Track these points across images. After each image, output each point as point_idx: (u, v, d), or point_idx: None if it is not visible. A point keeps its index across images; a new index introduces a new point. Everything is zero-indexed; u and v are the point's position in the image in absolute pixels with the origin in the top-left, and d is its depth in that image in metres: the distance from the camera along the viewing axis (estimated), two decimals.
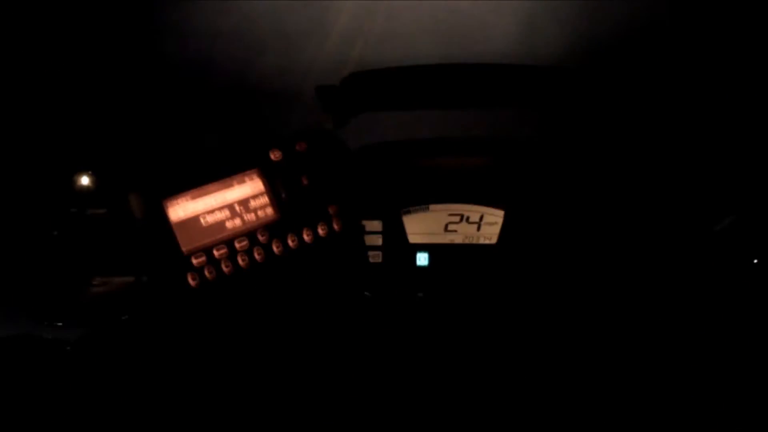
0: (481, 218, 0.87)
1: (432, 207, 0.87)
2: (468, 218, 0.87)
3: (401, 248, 0.86)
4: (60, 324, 0.67)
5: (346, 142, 0.82)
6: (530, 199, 0.85)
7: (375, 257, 0.85)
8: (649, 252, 0.82)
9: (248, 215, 0.70)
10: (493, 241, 0.86)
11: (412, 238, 0.87)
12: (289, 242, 0.70)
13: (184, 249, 0.65)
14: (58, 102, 0.81)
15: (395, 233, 0.86)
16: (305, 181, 0.73)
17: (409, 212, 0.86)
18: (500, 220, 0.86)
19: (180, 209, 0.66)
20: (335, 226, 0.73)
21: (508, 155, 0.87)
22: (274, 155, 0.72)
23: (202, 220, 0.67)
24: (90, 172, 0.73)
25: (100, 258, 0.72)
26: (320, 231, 0.72)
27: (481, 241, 0.87)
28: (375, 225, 0.85)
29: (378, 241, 0.86)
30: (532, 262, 0.85)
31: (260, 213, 0.70)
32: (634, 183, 0.83)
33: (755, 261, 0.78)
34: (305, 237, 0.71)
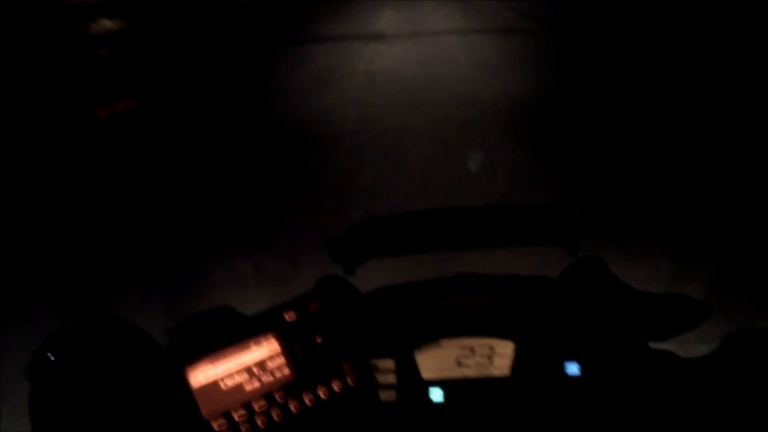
0: (493, 350, 0.89)
1: (443, 342, 0.89)
2: (480, 351, 0.89)
3: (415, 385, 0.88)
4: None
5: (357, 289, 0.87)
6: (540, 329, 0.88)
7: (389, 396, 0.88)
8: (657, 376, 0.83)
9: (265, 376, 0.74)
10: (506, 372, 0.88)
11: (426, 375, 0.89)
12: (306, 400, 0.74)
13: (204, 413, 0.69)
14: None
15: (408, 370, 0.88)
16: (319, 340, 0.77)
17: (421, 348, 0.89)
18: (511, 352, 0.88)
19: (201, 374, 0.71)
20: (350, 382, 0.76)
21: (515, 290, 0.90)
22: (289, 316, 0.77)
23: (222, 384, 0.72)
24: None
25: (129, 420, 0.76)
26: (335, 387, 0.76)
27: (494, 373, 0.88)
28: (388, 363, 0.88)
29: (392, 379, 0.88)
30: (546, 393, 0.86)
31: (277, 374, 0.75)
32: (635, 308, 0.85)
33: None
34: (321, 394, 0.75)
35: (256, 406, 0.71)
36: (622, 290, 0.86)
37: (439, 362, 0.89)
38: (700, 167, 3.89)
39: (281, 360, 0.75)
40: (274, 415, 0.72)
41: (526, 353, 0.87)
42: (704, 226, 2.93)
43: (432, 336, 0.90)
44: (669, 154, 4.20)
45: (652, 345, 0.86)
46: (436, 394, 0.88)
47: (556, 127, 5.26)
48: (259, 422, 0.71)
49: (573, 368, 0.86)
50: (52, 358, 0.70)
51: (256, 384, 0.73)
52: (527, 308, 0.89)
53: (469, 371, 0.89)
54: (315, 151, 4.70)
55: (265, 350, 0.75)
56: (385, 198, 3.60)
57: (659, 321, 0.86)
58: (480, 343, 0.89)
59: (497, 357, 0.88)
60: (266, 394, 0.73)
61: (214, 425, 0.69)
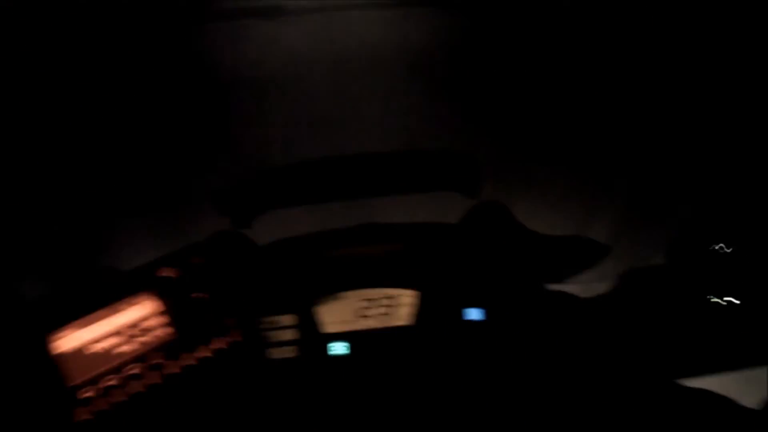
0: (395, 300, 0.87)
1: (345, 295, 0.86)
2: (382, 302, 0.87)
3: (316, 339, 0.85)
4: None
5: (251, 241, 0.82)
6: (441, 277, 0.86)
7: (289, 352, 0.84)
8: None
9: (142, 338, 0.69)
10: (410, 321, 0.86)
11: (329, 328, 0.86)
12: (189, 360, 0.69)
13: (69, 382, 0.64)
14: None
15: (309, 325, 0.85)
16: (203, 296, 0.72)
17: (322, 302, 0.86)
18: (415, 301, 0.86)
19: (64, 341, 0.65)
20: (235, 338, 0.72)
21: (416, 239, 0.87)
22: (169, 273, 0.72)
23: (89, 350, 0.66)
24: None
25: None
26: (220, 345, 0.71)
27: (398, 323, 0.86)
28: (288, 319, 0.85)
29: (293, 335, 0.85)
30: (449, 339, 0.85)
31: (156, 334, 0.69)
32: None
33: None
34: (205, 352, 0.70)
35: (129, 370, 0.66)
36: (523, 234, 0.85)
37: (342, 315, 0.86)
38: (607, 109, 3.99)
39: (161, 319, 0.70)
40: (153, 377, 0.67)
41: (428, 301, 0.85)
42: (610, 166, 3.02)
43: (334, 289, 0.86)
44: (576, 97, 4.32)
45: (554, 286, 0.85)
46: (338, 347, 0.86)
47: (462, 69, 5.33)
48: (135, 386, 0.66)
49: (476, 314, 0.85)
50: None
51: (131, 347, 0.68)
52: (428, 256, 0.86)
53: (373, 322, 0.86)
54: (207, 101, 4.56)
55: (141, 310, 0.70)
56: (281, 149, 3.50)
57: (559, 263, 0.85)
58: (383, 294, 0.87)
59: (400, 307, 0.86)
60: (141, 356, 0.68)
61: (81, 393, 0.64)
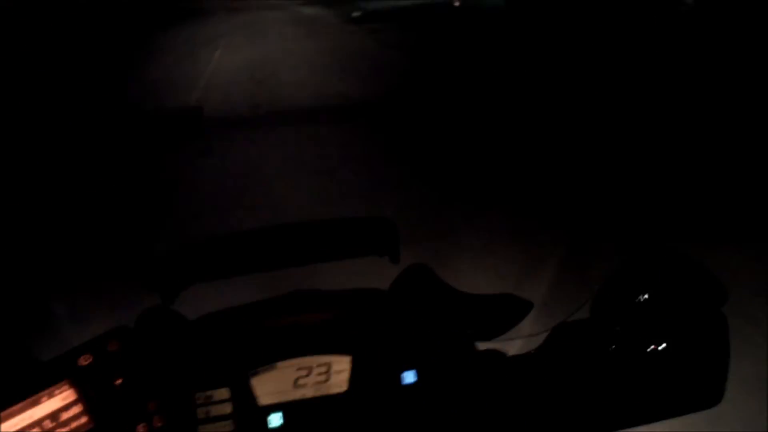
0: (330, 367, 0.87)
1: (279, 365, 0.87)
2: (317, 369, 0.87)
3: (252, 412, 0.85)
4: None
5: (181, 316, 0.83)
6: (374, 341, 0.87)
7: (226, 427, 0.84)
8: None
9: (61, 429, 0.68)
10: (344, 388, 0.86)
11: (264, 400, 0.86)
12: None
13: None
14: None
15: (244, 398, 0.85)
16: (120, 381, 0.72)
17: (256, 373, 0.86)
18: (349, 367, 0.87)
19: None
20: (157, 423, 0.72)
21: (346, 304, 0.88)
22: (85, 360, 0.72)
23: None
24: None
25: None
26: (143, 430, 0.71)
27: (332, 390, 0.87)
28: (223, 393, 0.85)
29: (228, 409, 0.85)
30: (382, 403, 0.85)
31: (74, 424, 0.69)
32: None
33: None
34: None
35: None
36: (449, 294, 0.87)
37: (277, 385, 0.87)
38: (530, 170, 4.19)
39: (77, 409, 0.70)
40: None
41: (362, 366, 0.86)
42: (535, 227, 3.15)
43: (267, 359, 0.87)
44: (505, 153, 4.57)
45: (481, 345, 0.86)
46: (275, 419, 0.86)
47: (391, 128, 5.84)
48: None
49: (409, 376, 0.86)
50: None
51: None
52: (360, 321, 0.88)
53: (307, 391, 0.87)
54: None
55: (58, 400, 0.70)
56: (209, 217, 3.60)
57: (486, 321, 0.87)
58: (317, 362, 0.87)
59: (334, 374, 0.87)
60: None
61: None
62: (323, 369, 0.87)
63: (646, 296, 0.85)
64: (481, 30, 13.28)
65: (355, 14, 18.25)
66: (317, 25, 17.21)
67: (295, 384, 0.87)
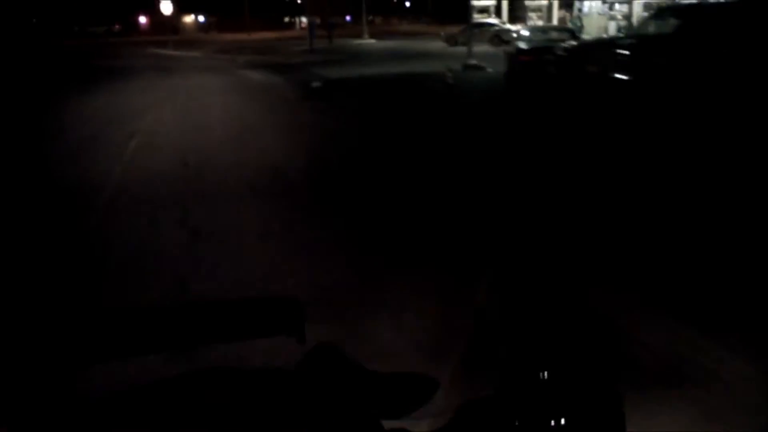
0: None
1: None
2: None
3: None
4: None
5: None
6: (281, 422, 0.84)
7: None
8: None
9: None
10: None
11: None
12: None
13: None
14: None
15: None
16: None
17: None
18: None
19: None
20: None
21: (253, 387, 0.86)
22: None
23: None
24: None
25: None
26: None
27: None
28: None
29: None
30: None
31: None
32: None
33: None
34: None
35: None
36: (356, 372, 0.86)
37: None
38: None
39: None
40: None
41: None
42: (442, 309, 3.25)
43: None
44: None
45: (388, 423, 0.86)
46: None
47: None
48: None
49: None
50: None
51: None
52: (266, 404, 0.85)
53: None
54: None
55: None
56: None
57: (392, 399, 0.87)
58: None
59: None
60: None
61: None
62: None
63: (546, 373, 0.88)
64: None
65: (315, 84, 14.77)
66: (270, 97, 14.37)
67: None
